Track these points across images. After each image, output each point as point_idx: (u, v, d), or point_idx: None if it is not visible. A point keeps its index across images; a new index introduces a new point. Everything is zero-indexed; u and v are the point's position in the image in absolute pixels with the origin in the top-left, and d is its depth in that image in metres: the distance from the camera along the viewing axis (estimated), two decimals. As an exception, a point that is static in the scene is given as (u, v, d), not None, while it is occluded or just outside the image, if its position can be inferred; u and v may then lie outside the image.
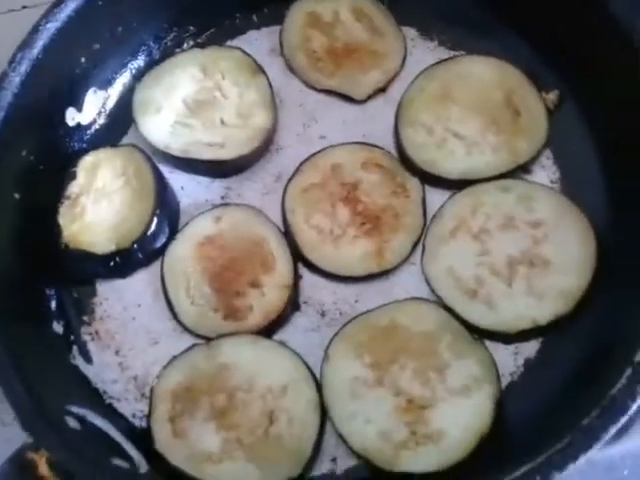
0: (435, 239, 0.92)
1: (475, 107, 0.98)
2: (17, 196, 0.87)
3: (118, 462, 0.73)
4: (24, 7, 1.27)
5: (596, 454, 0.92)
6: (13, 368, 0.72)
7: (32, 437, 0.68)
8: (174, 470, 0.78)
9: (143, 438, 0.82)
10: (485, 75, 0.99)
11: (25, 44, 0.86)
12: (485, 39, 1.03)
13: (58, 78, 0.94)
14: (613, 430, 0.65)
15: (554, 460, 0.64)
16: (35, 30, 0.87)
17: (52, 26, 0.88)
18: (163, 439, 0.82)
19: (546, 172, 0.96)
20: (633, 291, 0.81)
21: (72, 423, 0.75)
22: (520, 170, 0.95)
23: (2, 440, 0.95)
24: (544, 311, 0.85)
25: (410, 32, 1.07)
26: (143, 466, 0.75)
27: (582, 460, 0.90)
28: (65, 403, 0.76)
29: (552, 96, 0.98)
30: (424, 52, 1.05)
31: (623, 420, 0.65)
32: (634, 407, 0.65)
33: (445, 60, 1.01)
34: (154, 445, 0.81)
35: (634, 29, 0.85)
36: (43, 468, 0.69)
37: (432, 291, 0.90)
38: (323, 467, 0.84)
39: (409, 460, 0.79)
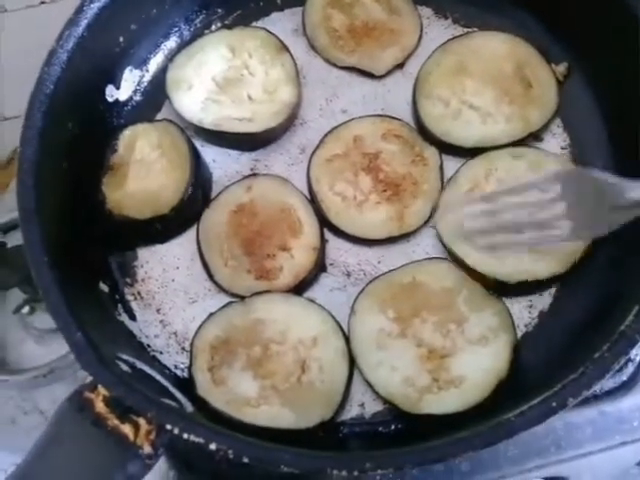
0: (450, 199, 0.96)
1: (488, 80, 1.03)
2: (65, 166, 0.93)
3: (168, 402, 0.79)
4: (42, 3, 1.32)
5: (608, 407, 0.99)
6: (72, 317, 0.78)
7: (91, 375, 0.74)
8: (217, 412, 0.85)
9: (186, 386, 0.88)
10: (497, 49, 1.05)
11: (71, 22, 0.92)
12: (496, 16, 1.09)
13: (99, 56, 1.00)
14: (623, 360, 0.70)
15: (569, 387, 0.70)
16: (80, 10, 0.93)
17: (95, 6, 0.94)
18: (204, 386, 0.88)
19: (556, 139, 1.02)
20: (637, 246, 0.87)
21: (124, 367, 0.81)
22: (532, 138, 1.00)
23: (23, 429, 1.03)
24: (545, 268, 0.90)
25: (425, 11, 1.12)
26: (189, 407, 0.81)
27: (593, 409, 0.97)
28: (116, 351, 0.83)
29: (561, 68, 1.04)
30: (439, 30, 1.11)
31: (632, 352, 0.71)
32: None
33: (459, 36, 1.07)
34: (196, 391, 0.87)
35: (637, 3, 0.91)
36: (100, 406, 0.76)
37: (444, 246, 0.95)
38: (353, 412, 0.90)
39: (432, 403, 0.85)
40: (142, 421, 0.74)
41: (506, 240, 0.87)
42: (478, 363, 0.87)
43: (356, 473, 0.68)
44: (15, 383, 1.03)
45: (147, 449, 0.74)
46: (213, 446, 0.70)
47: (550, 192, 0.82)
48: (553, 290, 0.94)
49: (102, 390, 0.75)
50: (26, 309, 1.07)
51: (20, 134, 0.89)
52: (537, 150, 0.99)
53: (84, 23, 0.93)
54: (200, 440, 0.70)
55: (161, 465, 0.96)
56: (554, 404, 0.69)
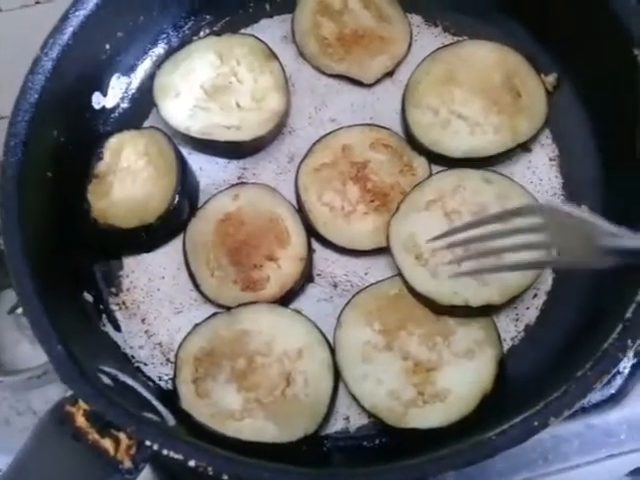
0: (411, 205, 0.95)
1: (478, 89, 1.03)
2: (50, 174, 0.92)
3: (149, 415, 0.78)
4: (37, 3, 1.31)
5: (595, 420, 0.99)
6: (52, 329, 0.77)
7: (70, 389, 0.74)
8: (200, 425, 0.84)
9: (169, 398, 0.87)
10: (487, 59, 1.04)
11: (56, 30, 0.91)
12: (487, 25, 1.08)
13: (85, 64, 0.99)
14: (605, 379, 0.70)
15: (551, 407, 0.70)
16: (65, 17, 0.92)
17: (81, 14, 0.93)
18: (188, 399, 0.87)
19: (545, 150, 1.01)
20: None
21: (106, 380, 0.80)
22: (520, 148, 1.00)
23: (17, 430, 1.02)
24: (479, 296, 0.87)
25: (415, 19, 1.12)
26: (171, 421, 0.80)
27: (580, 422, 0.97)
28: (98, 364, 0.82)
29: (551, 78, 1.03)
30: (429, 38, 1.10)
31: (614, 371, 0.70)
32: (624, 359, 0.70)
33: (449, 45, 1.06)
34: (180, 404, 0.86)
35: (627, 14, 0.90)
36: (80, 420, 0.75)
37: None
38: (337, 425, 0.90)
39: (417, 417, 0.85)
40: (122, 436, 0.73)
41: (487, 265, 0.84)
42: (464, 377, 0.86)
43: (335, 491, 0.67)
44: (9, 384, 1.02)
45: (127, 464, 0.73)
46: (192, 463, 0.70)
47: (534, 220, 0.76)
48: (540, 303, 0.93)
49: (83, 404, 0.75)
50: (21, 310, 1.06)
51: (4, 142, 0.88)
52: (509, 180, 0.95)
53: (69, 31, 0.92)
54: (179, 457, 0.70)
55: (146, 477, 0.96)
56: (536, 423, 0.69)
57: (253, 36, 1.09)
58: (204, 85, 1.07)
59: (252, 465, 0.70)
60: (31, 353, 1.06)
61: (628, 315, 0.73)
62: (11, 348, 1.08)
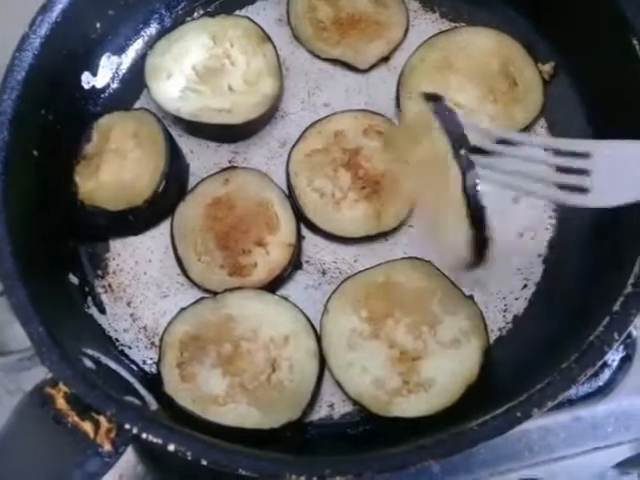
0: None
1: (474, 77, 1.01)
2: (35, 153, 0.91)
3: (130, 399, 0.78)
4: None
5: (582, 412, 0.99)
6: (34, 311, 0.77)
7: (51, 372, 0.73)
8: (182, 410, 0.84)
9: (153, 382, 0.87)
10: (484, 46, 1.03)
11: (45, 8, 0.90)
12: (484, 12, 1.07)
13: (75, 42, 0.98)
14: (590, 372, 0.69)
15: (534, 398, 0.69)
16: (54, -7, 0.91)
17: (70, -10, 0.92)
18: (172, 383, 0.87)
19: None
20: (613, 256, 0.86)
21: (88, 363, 0.80)
22: (515, 137, 0.99)
23: (7, 409, 1.02)
24: None
25: (413, 4, 1.10)
26: (153, 404, 0.80)
27: (567, 414, 0.97)
28: (81, 346, 0.81)
29: (548, 67, 1.02)
30: (426, 23, 1.09)
31: (599, 363, 0.70)
32: (613, 352, 0.70)
33: (446, 31, 1.05)
34: (163, 388, 0.86)
35: (627, 4, 0.88)
36: (60, 402, 0.75)
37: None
38: (321, 412, 0.89)
39: (401, 406, 0.84)
40: (103, 419, 0.73)
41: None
42: (449, 367, 0.86)
43: (315, 479, 0.67)
44: (0, 364, 1.02)
45: (107, 447, 0.73)
46: (172, 447, 0.69)
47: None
48: (529, 294, 0.93)
49: (63, 386, 0.74)
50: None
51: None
52: None
53: (58, 8, 0.91)
54: (158, 441, 0.69)
55: (130, 459, 0.96)
56: (518, 414, 0.68)
57: (247, 18, 1.07)
58: (196, 67, 1.05)
59: (231, 451, 0.70)
60: (23, 334, 1.05)
61: (616, 308, 0.73)
62: (3, 329, 1.07)
